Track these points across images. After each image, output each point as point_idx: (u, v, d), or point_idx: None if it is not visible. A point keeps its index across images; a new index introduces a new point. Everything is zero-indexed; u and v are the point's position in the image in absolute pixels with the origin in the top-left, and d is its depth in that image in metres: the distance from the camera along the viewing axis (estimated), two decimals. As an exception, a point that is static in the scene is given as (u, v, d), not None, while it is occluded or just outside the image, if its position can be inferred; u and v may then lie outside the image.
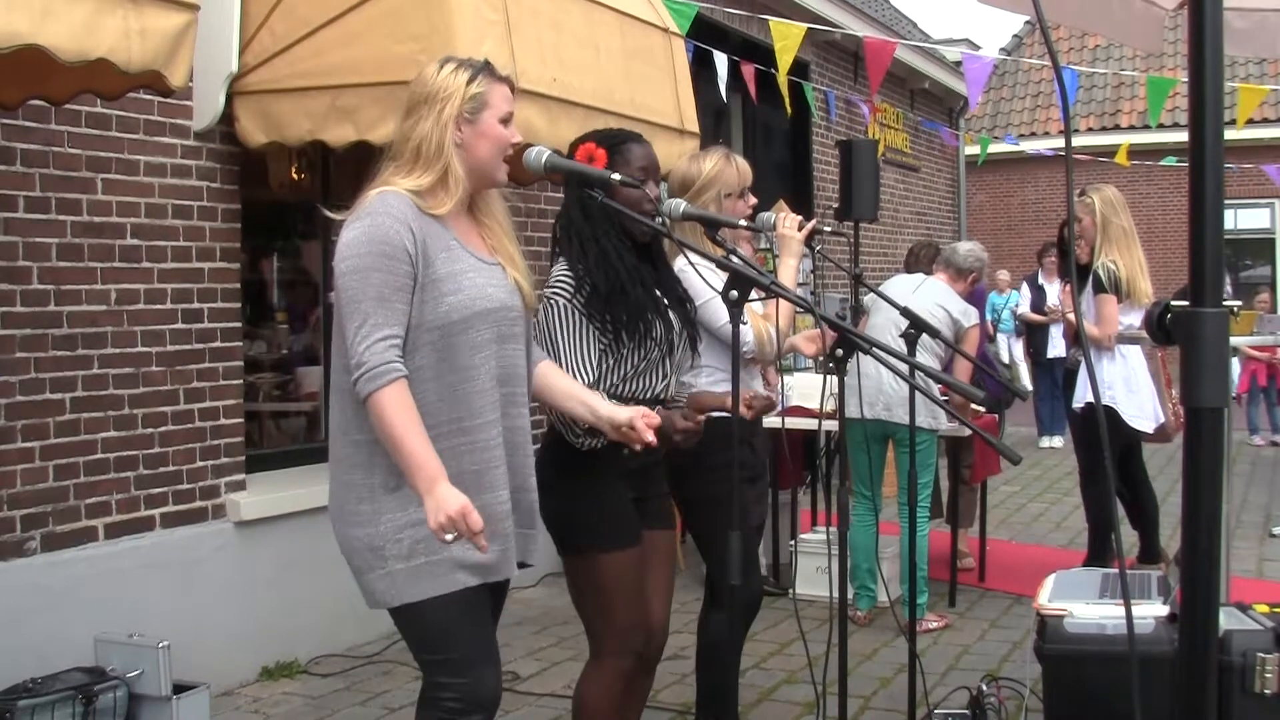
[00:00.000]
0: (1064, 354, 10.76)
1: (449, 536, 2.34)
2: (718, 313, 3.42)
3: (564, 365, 2.88)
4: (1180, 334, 1.60)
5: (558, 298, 2.91)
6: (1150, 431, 5.50)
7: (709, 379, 3.57)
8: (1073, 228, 1.86)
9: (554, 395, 2.79)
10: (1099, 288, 5.38)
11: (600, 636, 3.05)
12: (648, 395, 3.03)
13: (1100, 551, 5.58)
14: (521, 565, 2.70)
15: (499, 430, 2.55)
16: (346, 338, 2.42)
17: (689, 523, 3.68)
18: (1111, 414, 5.33)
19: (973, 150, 14.85)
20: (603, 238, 2.92)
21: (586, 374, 2.90)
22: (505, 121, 2.59)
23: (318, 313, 5.67)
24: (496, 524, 2.52)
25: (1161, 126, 14.58)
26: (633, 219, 2.87)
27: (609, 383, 2.96)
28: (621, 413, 2.69)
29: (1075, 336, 6.13)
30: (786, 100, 7.83)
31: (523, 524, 2.65)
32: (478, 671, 2.54)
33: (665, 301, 3.06)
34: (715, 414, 3.50)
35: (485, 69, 2.59)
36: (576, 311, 2.90)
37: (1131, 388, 5.40)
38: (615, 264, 2.91)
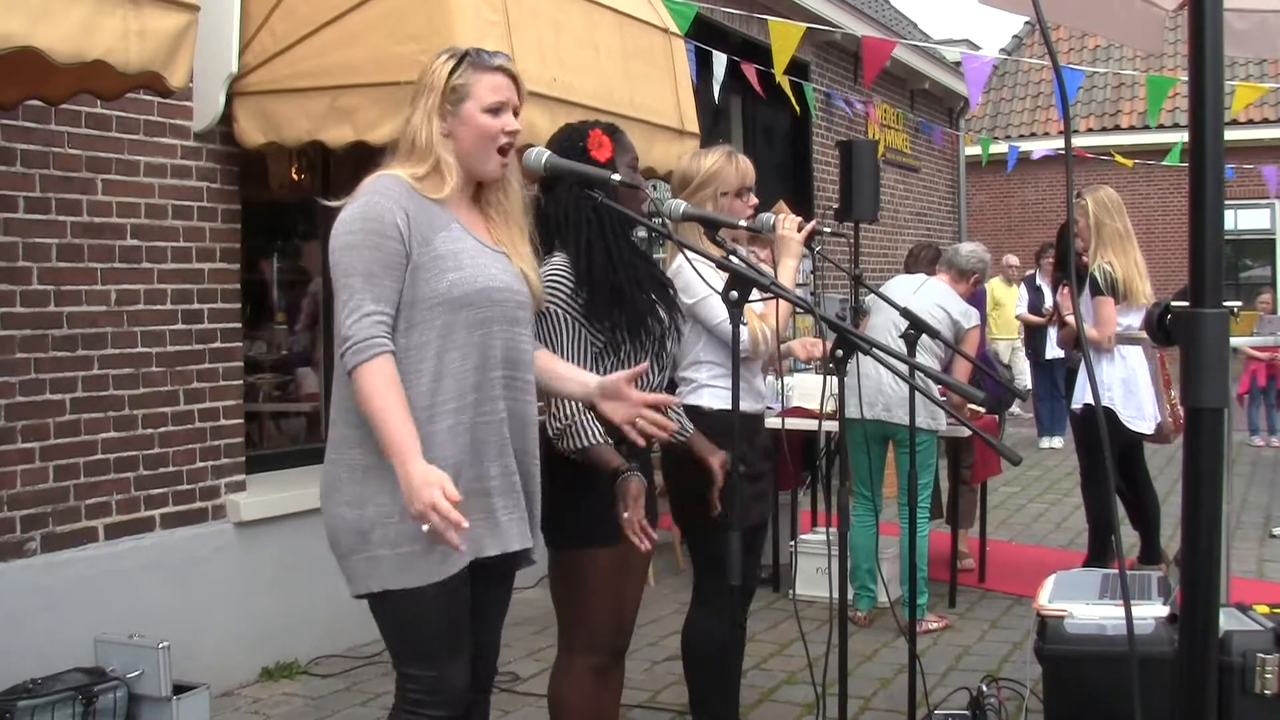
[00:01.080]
0: (1063, 355, 10.78)
1: (424, 528, 2.33)
2: (714, 310, 3.42)
3: None
4: (1180, 334, 1.60)
5: (555, 306, 2.89)
6: (1150, 433, 5.50)
7: (709, 374, 3.57)
8: (1072, 230, 1.86)
9: (551, 378, 2.77)
10: (1096, 290, 5.38)
11: (573, 631, 3.06)
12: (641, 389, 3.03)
13: (1100, 552, 5.58)
14: (517, 557, 2.67)
15: (496, 409, 2.55)
16: (335, 314, 2.45)
17: (681, 519, 3.67)
18: (1110, 415, 5.33)
19: (973, 151, 14.85)
20: (608, 234, 2.91)
21: None
22: (495, 111, 2.56)
23: (318, 313, 5.67)
24: (484, 499, 2.53)
25: (1161, 127, 14.59)
26: (635, 218, 2.87)
27: None
28: (609, 379, 2.67)
29: (1071, 339, 6.12)
30: (792, 99, 7.84)
31: (529, 508, 2.65)
32: (444, 665, 2.55)
33: (654, 297, 3.06)
34: (717, 409, 3.51)
35: (469, 58, 2.56)
36: (574, 319, 2.88)
37: (1130, 389, 5.40)
38: (619, 265, 2.90)
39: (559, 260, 2.94)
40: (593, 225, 2.91)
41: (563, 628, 3.10)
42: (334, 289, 2.47)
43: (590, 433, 2.86)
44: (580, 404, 2.85)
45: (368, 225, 2.43)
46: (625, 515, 2.82)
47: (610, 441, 2.88)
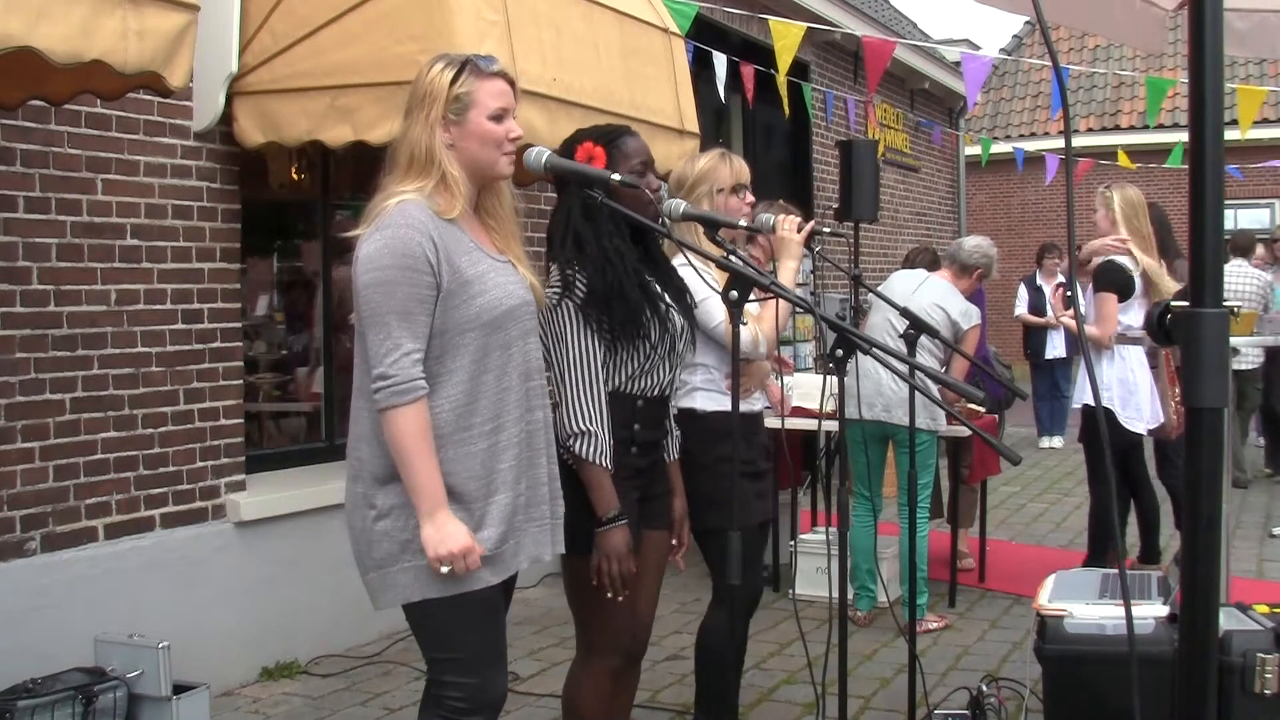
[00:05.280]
0: (1063, 354, 10.79)
1: (444, 569, 2.41)
2: (713, 313, 3.43)
3: (574, 375, 2.85)
4: (1180, 334, 1.60)
5: (558, 307, 2.87)
6: (1144, 433, 5.49)
7: (702, 377, 3.56)
8: (1072, 229, 1.86)
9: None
10: (1100, 286, 5.37)
11: (591, 636, 3.05)
12: (654, 393, 3.02)
13: (1098, 550, 5.58)
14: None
15: (530, 420, 2.59)
16: (370, 349, 2.44)
17: (691, 520, 3.67)
18: (1109, 416, 5.33)
19: (973, 151, 14.85)
20: (603, 238, 2.89)
21: (597, 383, 2.88)
22: (499, 117, 2.56)
23: (317, 313, 5.67)
24: (517, 515, 2.56)
25: (1161, 127, 14.57)
26: (634, 218, 2.87)
27: (615, 383, 2.95)
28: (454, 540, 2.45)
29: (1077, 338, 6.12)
30: (785, 101, 7.83)
31: (553, 514, 2.68)
32: (486, 673, 2.56)
33: (665, 298, 3.05)
34: (719, 411, 3.51)
35: (469, 66, 2.55)
36: (579, 316, 2.87)
37: (1129, 389, 5.40)
38: (616, 263, 2.88)
39: (559, 267, 2.93)
40: (587, 226, 2.88)
41: (581, 631, 3.10)
42: (363, 322, 2.46)
43: (606, 454, 2.85)
44: (600, 419, 2.84)
45: (400, 261, 2.42)
46: (604, 568, 2.83)
47: (609, 468, 2.86)
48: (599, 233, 2.89)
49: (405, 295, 2.42)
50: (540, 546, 2.64)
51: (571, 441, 2.83)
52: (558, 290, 2.88)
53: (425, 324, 2.45)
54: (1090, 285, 5.55)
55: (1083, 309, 5.61)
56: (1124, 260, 5.38)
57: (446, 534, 2.41)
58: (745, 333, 3.56)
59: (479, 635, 2.54)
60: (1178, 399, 5.52)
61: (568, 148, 3.01)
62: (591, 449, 2.83)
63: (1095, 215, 5.56)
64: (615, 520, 2.84)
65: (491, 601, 2.55)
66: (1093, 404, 5.40)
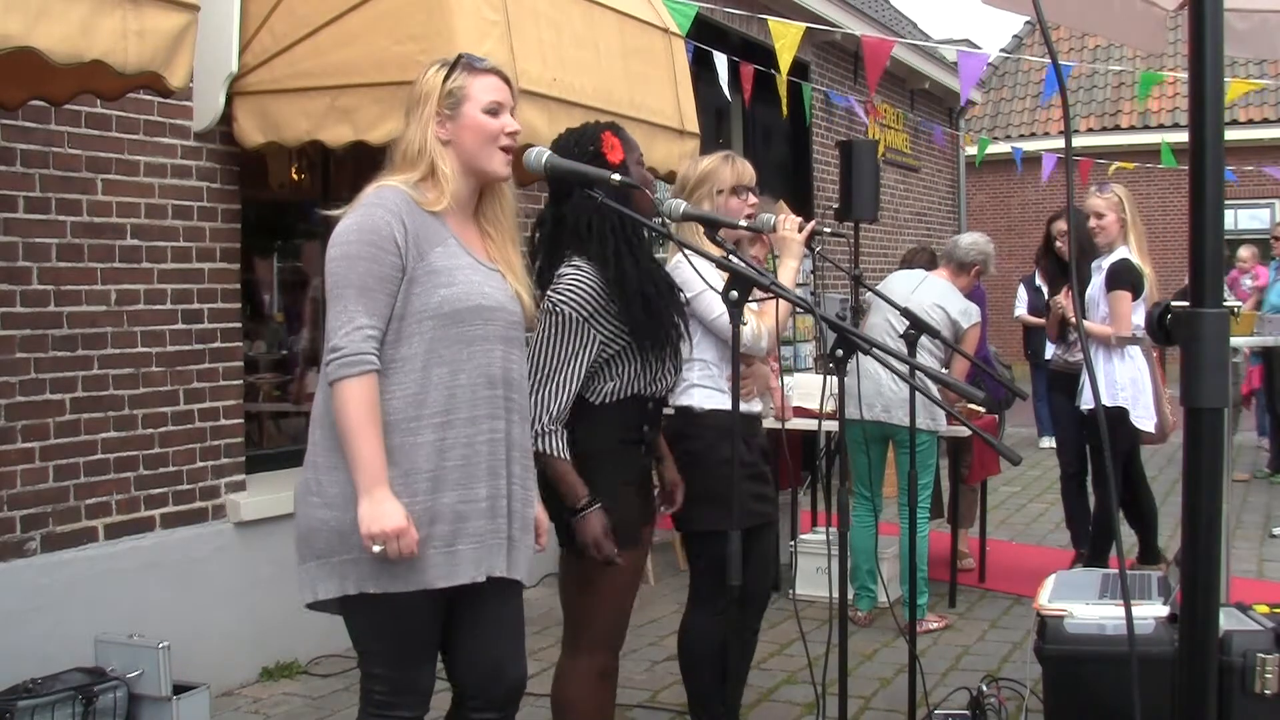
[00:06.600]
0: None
1: (376, 548, 2.38)
2: (711, 305, 3.42)
3: (553, 375, 2.87)
4: (1180, 334, 1.60)
5: (567, 308, 2.88)
6: (1152, 430, 5.50)
7: (700, 373, 3.56)
8: (1072, 228, 1.86)
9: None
10: (1113, 284, 5.36)
11: (580, 633, 3.07)
12: (662, 394, 3.08)
13: (1099, 551, 5.58)
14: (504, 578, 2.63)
15: (486, 429, 2.52)
16: (328, 323, 2.45)
17: (684, 519, 3.66)
18: (1123, 415, 5.32)
19: (974, 151, 14.86)
20: (632, 241, 2.93)
21: (570, 386, 2.90)
22: (493, 112, 2.57)
23: (318, 313, 5.67)
24: (467, 522, 2.50)
25: (1161, 126, 14.56)
26: (635, 218, 2.87)
27: (629, 389, 2.97)
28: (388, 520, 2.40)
29: (1060, 336, 6.11)
30: (784, 101, 7.83)
31: (515, 533, 2.60)
32: (411, 669, 2.56)
33: (665, 300, 3.06)
34: (717, 409, 3.51)
35: (461, 63, 2.57)
36: (586, 323, 2.88)
37: (1139, 388, 5.40)
38: (644, 274, 2.92)
39: (580, 265, 2.93)
40: (618, 233, 2.91)
41: (570, 629, 3.10)
42: (328, 297, 2.47)
43: (557, 447, 2.88)
44: (558, 419, 2.87)
45: (365, 237, 2.43)
46: (590, 554, 2.89)
47: (568, 459, 2.90)
48: (629, 239, 2.93)
49: (365, 270, 2.42)
50: (494, 560, 2.54)
51: (536, 440, 2.84)
52: (586, 297, 2.89)
53: (384, 304, 2.44)
54: (1102, 283, 5.53)
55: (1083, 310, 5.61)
56: (1136, 259, 5.40)
57: (382, 512, 2.37)
58: (747, 327, 3.56)
59: (410, 633, 2.53)
60: (1169, 399, 5.53)
61: (587, 138, 3.01)
62: (554, 444, 2.87)
63: (1099, 221, 5.51)
64: (590, 506, 2.89)
65: (428, 600, 2.50)
66: (1105, 404, 5.46)
